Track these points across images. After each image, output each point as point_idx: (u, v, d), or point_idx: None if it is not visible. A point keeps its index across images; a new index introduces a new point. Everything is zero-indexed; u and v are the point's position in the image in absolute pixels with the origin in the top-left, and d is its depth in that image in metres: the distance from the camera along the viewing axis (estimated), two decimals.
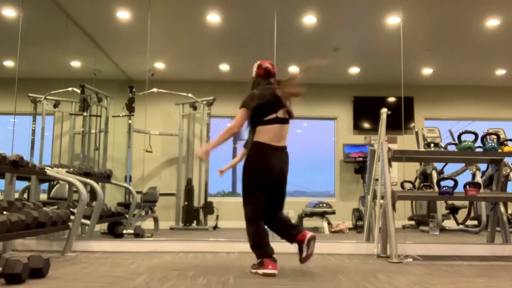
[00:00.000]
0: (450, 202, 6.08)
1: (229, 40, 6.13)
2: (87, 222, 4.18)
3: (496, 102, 7.61)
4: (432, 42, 6.16)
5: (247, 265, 3.15)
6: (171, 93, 6.64)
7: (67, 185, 4.93)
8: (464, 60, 6.81)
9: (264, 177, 2.99)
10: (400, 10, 5.07)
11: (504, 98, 7.63)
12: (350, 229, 6.39)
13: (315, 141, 7.77)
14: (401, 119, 5.59)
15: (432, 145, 4.21)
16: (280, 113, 3.03)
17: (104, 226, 5.27)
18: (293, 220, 6.88)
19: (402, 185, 4.75)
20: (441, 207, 6.15)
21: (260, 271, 2.87)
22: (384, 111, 4.12)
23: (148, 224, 6.12)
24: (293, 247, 4.06)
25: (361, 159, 7.08)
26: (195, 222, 6.61)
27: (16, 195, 4.68)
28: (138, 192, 5.69)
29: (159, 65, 6.93)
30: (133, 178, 6.57)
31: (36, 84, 6.25)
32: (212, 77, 7.37)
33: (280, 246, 4.05)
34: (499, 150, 3.97)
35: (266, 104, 3.00)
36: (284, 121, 3.06)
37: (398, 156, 4.02)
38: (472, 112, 7.60)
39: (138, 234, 4.78)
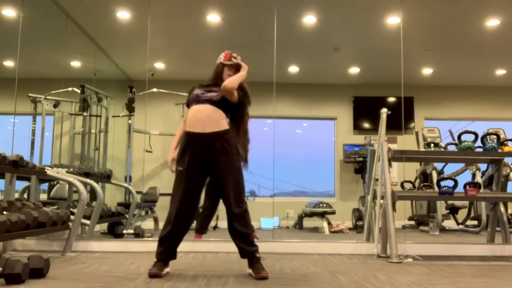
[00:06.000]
0: (450, 202, 6.07)
1: (229, 40, 6.13)
2: (87, 222, 4.17)
3: (496, 102, 7.61)
4: (432, 42, 6.15)
5: (247, 265, 3.14)
6: (171, 93, 6.64)
7: (67, 185, 4.92)
8: (464, 60, 6.81)
9: None
10: (400, 10, 5.07)
11: (504, 98, 7.62)
12: (350, 229, 6.38)
13: (315, 141, 7.76)
14: (401, 119, 5.58)
15: (432, 145, 4.21)
16: None
17: (104, 226, 5.27)
18: (293, 220, 6.93)
19: (402, 185, 4.74)
20: (441, 207, 6.14)
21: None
22: (384, 111, 4.12)
23: (148, 224, 6.11)
24: (295, 247, 4.08)
25: (362, 159, 7.07)
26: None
27: (16, 195, 4.68)
28: (138, 192, 5.69)
29: (159, 65, 6.93)
30: (133, 178, 6.57)
31: (36, 84, 6.24)
32: None
33: (280, 246, 4.07)
34: (499, 150, 3.97)
35: None
36: None
37: (398, 156, 4.02)
38: (472, 112, 7.60)
39: (138, 234, 4.78)
